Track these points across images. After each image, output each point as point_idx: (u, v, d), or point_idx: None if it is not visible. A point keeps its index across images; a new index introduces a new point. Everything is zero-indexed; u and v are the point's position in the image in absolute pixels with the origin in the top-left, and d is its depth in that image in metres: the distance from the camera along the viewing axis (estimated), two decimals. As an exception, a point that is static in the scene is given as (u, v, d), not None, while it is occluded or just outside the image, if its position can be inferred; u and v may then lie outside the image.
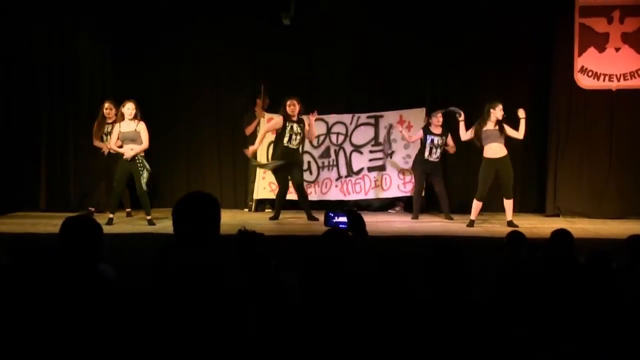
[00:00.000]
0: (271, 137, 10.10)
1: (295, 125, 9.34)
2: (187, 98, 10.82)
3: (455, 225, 8.98)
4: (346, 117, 10.51)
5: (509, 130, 8.91)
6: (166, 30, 10.58)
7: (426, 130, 9.63)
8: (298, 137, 9.37)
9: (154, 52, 10.61)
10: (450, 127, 9.53)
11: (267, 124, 9.80)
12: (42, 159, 10.34)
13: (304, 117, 9.51)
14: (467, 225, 8.81)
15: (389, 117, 10.47)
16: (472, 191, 9.18)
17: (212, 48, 10.71)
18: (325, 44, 10.56)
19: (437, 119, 9.53)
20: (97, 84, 10.30)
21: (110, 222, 8.57)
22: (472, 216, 8.94)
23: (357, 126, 10.51)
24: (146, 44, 10.56)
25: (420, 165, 9.68)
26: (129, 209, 9.74)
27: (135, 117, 8.71)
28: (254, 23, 10.51)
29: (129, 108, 8.69)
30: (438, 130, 9.56)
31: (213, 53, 10.73)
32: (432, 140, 9.54)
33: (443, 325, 2.93)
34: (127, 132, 8.70)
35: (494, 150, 8.86)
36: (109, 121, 9.27)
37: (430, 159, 9.57)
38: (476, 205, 8.95)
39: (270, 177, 10.29)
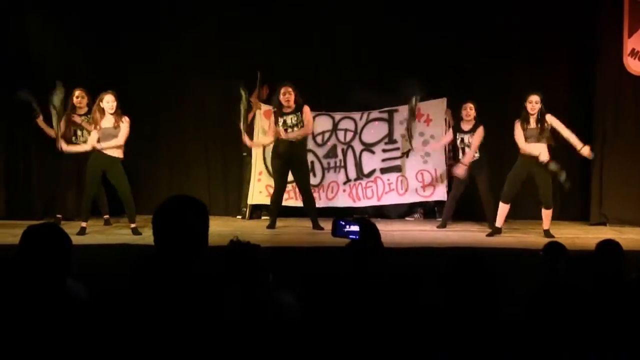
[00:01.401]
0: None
1: (289, 118, 9.31)
2: (170, 90, 10.83)
3: (484, 235, 8.97)
4: (356, 113, 10.50)
5: (556, 124, 8.80)
6: (148, 13, 10.60)
7: (456, 127, 9.59)
8: (295, 130, 9.33)
9: (133, 39, 10.62)
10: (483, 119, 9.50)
11: (268, 131, 9.68)
12: (0, 160, 10.37)
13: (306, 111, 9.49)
14: (489, 234, 8.79)
15: (405, 110, 10.42)
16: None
17: (200, 33, 10.71)
18: (330, 29, 10.57)
19: (467, 111, 9.41)
20: (65, 75, 10.29)
21: (82, 231, 8.59)
22: (498, 222, 8.91)
23: (367, 122, 10.50)
24: (124, 29, 10.57)
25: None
26: (107, 215, 9.73)
27: (116, 112, 8.72)
28: (249, 3, 10.53)
29: (108, 101, 8.69)
30: (468, 126, 9.45)
31: (201, 38, 10.73)
32: (462, 140, 9.47)
33: (468, 348, 2.92)
34: (106, 128, 8.71)
35: (531, 149, 8.77)
36: (81, 112, 9.29)
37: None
38: (502, 208, 8.90)
39: (267, 179, 10.31)
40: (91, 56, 10.37)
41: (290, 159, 9.34)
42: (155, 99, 10.78)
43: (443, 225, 9.59)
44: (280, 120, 9.30)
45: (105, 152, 8.72)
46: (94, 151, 8.76)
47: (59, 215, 9.49)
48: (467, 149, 9.39)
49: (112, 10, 10.50)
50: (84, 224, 8.72)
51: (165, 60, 10.78)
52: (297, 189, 10.13)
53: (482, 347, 2.93)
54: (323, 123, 10.39)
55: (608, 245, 4.91)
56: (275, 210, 9.49)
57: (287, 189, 10.11)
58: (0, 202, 10.36)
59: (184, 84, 10.86)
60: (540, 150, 8.72)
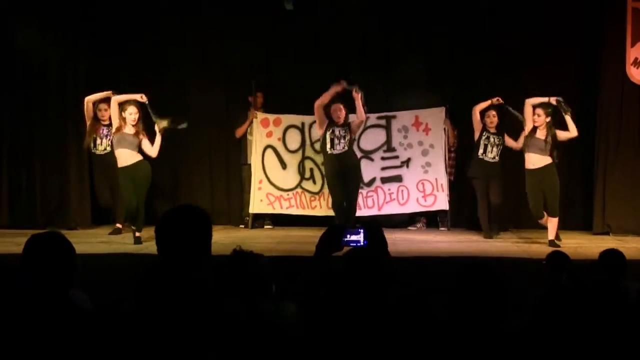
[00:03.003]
0: (267, 140, 10.18)
1: (338, 129, 9.41)
2: (173, 98, 10.82)
3: (487, 244, 8.99)
4: (353, 118, 10.44)
5: (560, 134, 8.91)
6: (153, 21, 10.62)
7: (483, 127, 9.65)
8: (343, 141, 9.41)
9: (137, 45, 10.63)
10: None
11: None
12: (2, 167, 10.38)
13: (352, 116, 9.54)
14: (549, 245, 8.70)
15: (403, 117, 10.44)
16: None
17: (204, 42, 10.77)
18: (330, 37, 10.59)
19: (490, 119, 9.56)
20: (67, 80, 10.33)
21: (138, 241, 8.76)
22: (550, 235, 8.90)
23: (365, 128, 10.46)
24: (128, 35, 10.58)
25: (478, 169, 9.64)
26: (120, 225, 9.75)
27: (137, 124, 8.81)
28: (252, 13, 10.56)
29: (131, 113, 8.80)
30: (494, 128, 9.62)
31: (205, 48, 10.78)
32: (488, 137, 9.58)
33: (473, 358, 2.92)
34: (126, 134, 8.77)
35: (532, 160, 8.92)
36: (105, 123, 9.43)
37: (486, 158, 9.58)
38: (548, 222, 8.95)
39: (267, 187, 10.33)
40: (93, 64, 10.38)
41: (345, 169, 9.45)
42: (160, 109, 10.73)
43: (489, 237, 9.48)
44: (329, 130, 9.43)
45: (126, 163, 8.77)
46: (121, 168, 8.83)
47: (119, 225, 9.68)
48: (489, 147, 9.53)
49: (115, 19, 10.52)
50: (136, 232, 8.84)
51: (170, 69, 10.80)
52: (300, 197, 10.18)
53: (486, 357, 2.93)
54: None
55: (611, 255, 4.92)
56: (340, 215, 9.47)
57: (288, 197, 10.16)
58: (4, 211, 10.34)
59: (188, 93, 10.87)
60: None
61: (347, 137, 9.47)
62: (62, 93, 10.22)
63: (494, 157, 9.57)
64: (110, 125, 9.24)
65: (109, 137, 9.38)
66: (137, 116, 8.79)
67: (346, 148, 9.48)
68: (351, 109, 9.50)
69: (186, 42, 10.76)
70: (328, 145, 9.48)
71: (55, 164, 10.24)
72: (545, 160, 8.88)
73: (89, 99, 9.37)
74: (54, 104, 10.19)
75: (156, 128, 8.91)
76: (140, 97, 8.87)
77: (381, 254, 3.45)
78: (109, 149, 9.36)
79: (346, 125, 9.48)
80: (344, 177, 9.50)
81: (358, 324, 2.98)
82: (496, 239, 9.41)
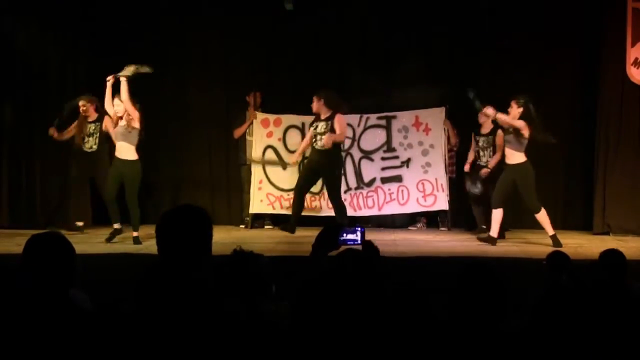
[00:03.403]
0: (268, 140, 10.23)
1: (320, 125, 9.26)
2: (174, 98, 10.85)
3: (486, 245, 8.97)
4: (353, 118, 10.39)
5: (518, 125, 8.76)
6: (153, 21, 10.65)
7: (475, 131, 9.68)
8: (323, 138, 9.24)
9: (137, 45, 10.63)
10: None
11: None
12: (2, 167, 10.39)
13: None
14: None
15: (403, 118, 10.46)
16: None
17: (204, 42, 10.80)
18: (330, 36, 10.62)
19: (483, 118, 9.50)
20: (67, 80, 10.33)
21: (118, 232, 8.78)
22: (493, 232, 8.87)
23: (365, 128, 10.49)
24: (128, 35, 10.59)
25: (476, 172, 9.67)
26: (119, 226, 9.73)
27: (124, 115, 8.73)
28: (252, 13, 10.59)
29: (114, 106, 8.75)
30: (486, 130, 9.60)
31: (205, 48, 10.81)
32: (477, 142, 9.61)
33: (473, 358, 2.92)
34: (120, 127, 8.73)
35: (507, 155, 8.91)
36: (90, 120, 9.40)
37: (481, 163, 9.62)
38: (494, 214, 8.90)
39: (267, 187, 10.34)
40: (93, 64, 10.38)
41: (318, 167, 9.34)
42: (160, 109, 10.77)
43: (481, 231, 9.52)
44: (313, 126, 9.36)
45: (120, 156, 8.74)
46: (116, 157, 8.80)
47: (79, 223, 9.59)
48: (480, 152, 9.58)
49: (115, 19, 10.54)
50: (116, 226, 8.83)
51: (171, 68, 10.81)
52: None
53: (486, 357, 2.93)
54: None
55: (611, 255, 4.91)
56: (295, 212, 9.38)
57: (289, 197, 10.17)
58: (4, 211, 10.35)
59: (189, 93, 10.89)
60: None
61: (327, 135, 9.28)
62: (62, 93, 10.21)
63: (487, 161, 9.56)
64: (96, 122, 9.30)
65: (95, 136, 9.35)
66: (119, 107, 8.70)
67: (324, 147, 9.33)
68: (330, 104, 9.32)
69: (186, 42, 10.78)
70: (314, 139, 9.34)
71: (55, 164, 10.24)
72: (517, 157, 8.78)
73: (56, 136, 9.47)
74: (54, 104, 10.17)
75: (121, 77, 8.64)
76: (109, 80, 8.76)
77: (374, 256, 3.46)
78: (95, 147, 9.36)
79: (328, 120, 9.20)
80: (316, 172, 9.42)
81: (356, 324, 2.98)
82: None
